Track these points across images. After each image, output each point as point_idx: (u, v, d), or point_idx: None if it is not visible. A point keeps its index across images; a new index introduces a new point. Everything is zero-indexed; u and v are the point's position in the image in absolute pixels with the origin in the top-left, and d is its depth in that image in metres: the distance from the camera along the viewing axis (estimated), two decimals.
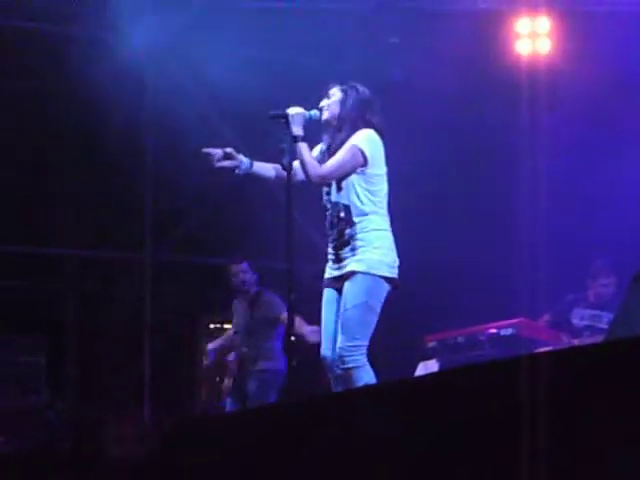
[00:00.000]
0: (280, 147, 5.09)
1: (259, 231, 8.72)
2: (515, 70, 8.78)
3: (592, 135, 8.44)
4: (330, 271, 5.13)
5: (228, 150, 5.20)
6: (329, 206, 5.12)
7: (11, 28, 8.84)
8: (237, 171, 5.22)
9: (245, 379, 7.40)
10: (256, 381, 7.35)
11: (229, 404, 7.43)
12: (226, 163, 5.19)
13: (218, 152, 5.19)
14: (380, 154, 5.09)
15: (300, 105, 5.14)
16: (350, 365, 4.94)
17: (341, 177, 5.03)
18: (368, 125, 5.08)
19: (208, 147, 5.26)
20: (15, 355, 8.72)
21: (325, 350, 5.07)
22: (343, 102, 5.12)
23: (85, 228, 9.52)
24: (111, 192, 9.33)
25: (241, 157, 5.21)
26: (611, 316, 7.07)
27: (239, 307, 7.57)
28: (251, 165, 5.22)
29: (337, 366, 5.01)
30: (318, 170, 5.05)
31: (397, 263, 5.06)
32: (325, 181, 5.08)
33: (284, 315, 7.24)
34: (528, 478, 2.52)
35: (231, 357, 7.49)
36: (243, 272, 7.50)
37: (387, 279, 5.00)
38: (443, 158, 8.73)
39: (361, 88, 5.17)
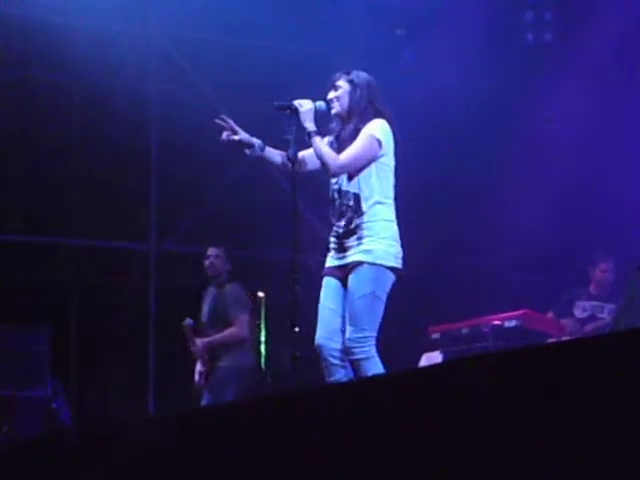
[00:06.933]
0: (285, 138, 5.08)
1: (264, 222, 8.72)
2: (523, 57, 8.80)
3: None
4: (332, 260, 5.11)
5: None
6: (337, 195, 5.09)
7: (13, 18, 8.84)
8: (249, 152, 5.17)
9: (209, 373, 7.36)
10: (214, 377, 7.33)
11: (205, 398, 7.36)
12: (236, 137, 5.12)
13: (232, 124, 5.13)
14: (392, 145, 5.08)
15: (306, 95, 5.14)
16: (359, 356, 4.92)
17: (360, 166, 5.01)
18: (378, 114, 5.08)
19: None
20: (19, 345, 8.72)
21: (320, 339, 5.04)
22: (351, 94, 5.09)
23: (90, 218, 9.52)
24: (116, 182, 9.33)
25: (255, 139, 5.17)
26: (612, 307, 7.13)
27: (207, 295, 7.55)
28: (263, 148, 5.18)
29: (333, 356, 5.01)
30: (337, 161, 5.01)
31: (401, 254, 5.06)
32: (345, 171, 5.03)
33: (240, 317, 7.23)
34: (527, 476, 2.52)
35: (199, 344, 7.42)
36: (214, 256, 7.47)
37: (392, 269, 4.99)
38: (450, 146, 8.72)
39: (367, 77, 5.15)
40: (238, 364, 7.30)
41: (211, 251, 7.50)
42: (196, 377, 7.43)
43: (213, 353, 7.34)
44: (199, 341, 7.36)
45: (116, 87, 8.90)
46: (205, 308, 7.51)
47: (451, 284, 8.73)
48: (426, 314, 8.03)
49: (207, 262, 7.48)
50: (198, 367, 7.42)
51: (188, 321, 7.40)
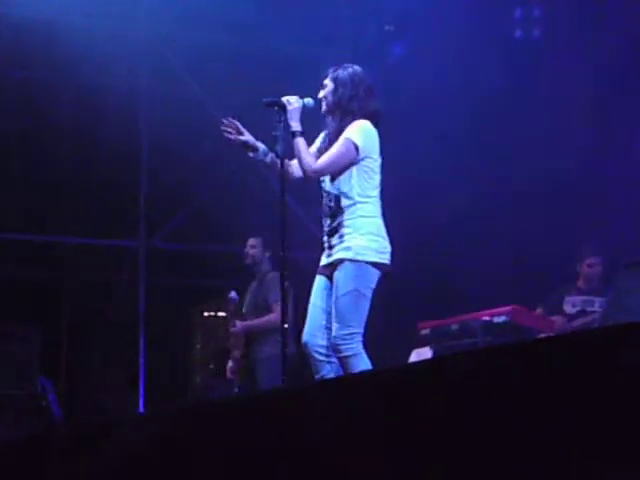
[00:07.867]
0: (273, 135, 5.10)
1: (255, 219, 8.72)
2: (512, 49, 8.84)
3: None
4: (323, 259, 5.17)
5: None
6: (324, 195, 5.16)
7: (2, 18, 8.82)
8: (252, 155, 5.21)
9: (254, 364, 7.30)
10: (263, 370, 7.22)
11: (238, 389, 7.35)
12: (242, 138, 5.19)
13: (238, 124, 5.19)
14: (373, 145, 5.09)
15: (295, 93, 5.15)
16: (346, 353, 4.95)
17: (337, 171, 5.06)
18: (362, 111, 5.09)
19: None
20: (8, 343, 8.71)
21: (306, 335, 5.10)
22: (334, 92, 5.12)
23: (79, 216, 9.51)
24: (106, 180, 9.32)
25: (259, 143, 5.22)
26: (602, 300, 7.15)
27: (251, 285, 7.55)
28: (267, 153, 5.22)
29: (319, 352, 5.04)
30: (313, 166, 5.07)
31: (388, 249, 5.06)
32: (319, 176, 5.12)
33: (275, 304, 7.19)
34: (521, 472, 2.53)
35: (237, 327, 7.35)
36: (250, 246, 7.47)
37: (375, 265, 5.01)
38: (438, 143, 8.73)
39: (352, 71, 5.15)
40: (278, 355, 7.19)
41: (249, 242, 7.49)
42: (230, 364, 7.36)
43: (250, 339, 7.27)
44: (239, 323, 7.32)
45: (108, 86, 8.88)
46: (247, 298, 7.46)
47: (440, 280, 8.74)
48: (415, 310, 8.04)
49: (245, 252, 7.48)
50: (233, 354, 7.32)
51: (232, 294, 7.36)
